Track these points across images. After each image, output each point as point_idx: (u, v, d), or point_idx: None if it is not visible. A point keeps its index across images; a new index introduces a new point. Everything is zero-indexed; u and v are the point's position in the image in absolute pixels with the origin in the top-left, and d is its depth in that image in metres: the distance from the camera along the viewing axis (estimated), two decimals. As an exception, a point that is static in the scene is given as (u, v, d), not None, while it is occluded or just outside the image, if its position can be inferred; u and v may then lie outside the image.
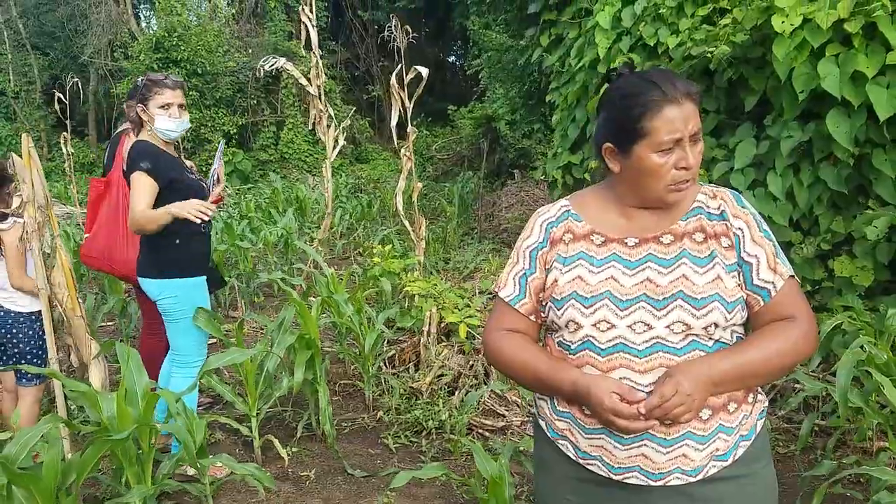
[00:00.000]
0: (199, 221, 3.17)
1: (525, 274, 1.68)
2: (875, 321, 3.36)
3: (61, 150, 10.87)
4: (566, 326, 1.58)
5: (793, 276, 1.55)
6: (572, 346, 1.57)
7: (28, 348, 3.57)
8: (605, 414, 1.44)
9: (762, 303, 1.53)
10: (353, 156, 20.04)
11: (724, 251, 1.54)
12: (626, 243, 1.59)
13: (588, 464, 1.57)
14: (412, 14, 21.13)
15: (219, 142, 4.20)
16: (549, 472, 1.68)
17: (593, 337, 1.53)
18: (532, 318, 1.69)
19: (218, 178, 3.80)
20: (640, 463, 1.50)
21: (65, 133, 10.09)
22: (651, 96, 1.49)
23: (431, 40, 24.54)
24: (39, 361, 3.61)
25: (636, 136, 1.51)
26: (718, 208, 1.58)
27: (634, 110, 1.50)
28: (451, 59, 27.02)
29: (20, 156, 2.87)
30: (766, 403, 1.63)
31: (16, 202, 3.27)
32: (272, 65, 6.05)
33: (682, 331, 1.48)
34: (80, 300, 3.14)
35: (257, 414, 3.71)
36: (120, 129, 4.25)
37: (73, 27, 21.64)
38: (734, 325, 1.54)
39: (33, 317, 3.58)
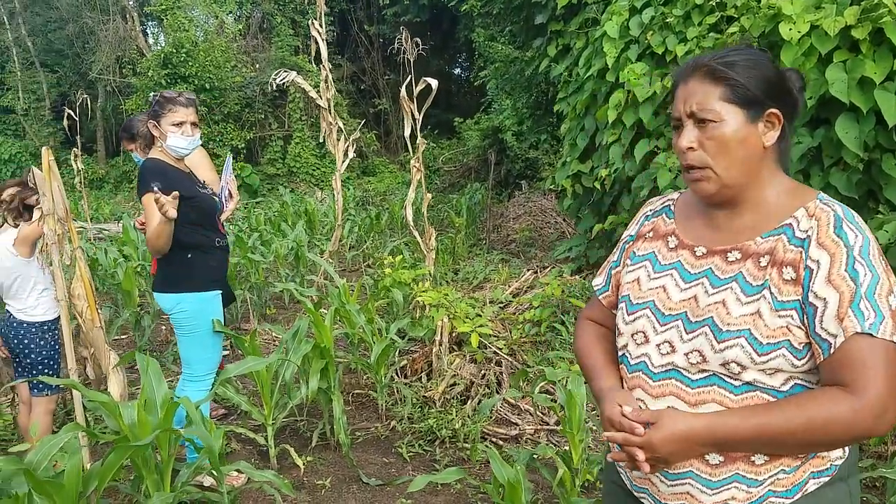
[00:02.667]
0: (172, 215, 3.06)
1: (612, 266, 1.65)
2: (888, 325, 3.36)
3: (70, 166, 10.97)
4: (616, 329, 1.55)
5: (872, 336, 1.22)
6: (618, 352, 1.53)
7: (39, 358, 3.61)
8: (603, 422, 1.42)
9: (822, 357, 1.27)
10: (359, 169, 20.15)
11: (780, 284, 1.31)
12: (695, 252, 1.45)
13: (640, 496, 1.51)
14: (417, 27, 21.27)
15: (226, 156, 4.21)
16: (616, 498, 1.61)
17: (627, 349, 1.49)
18: (614, 311, 1.61)
19: (230, 193, 3.81)
20: (685, 500, 1.40)
21: (75, 149, 10.20)
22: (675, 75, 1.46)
23: (437, 53, 24.67)
24: (51, 372, 3.65)
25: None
26: (806, 231, 1.32)
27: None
28: (457, 71, 27.18)
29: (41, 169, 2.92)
30: (840, 461, 1.36)
31: (36, 214, 3.32)
32: (283, 79, 6.11)
33: (698, 362, 1.35)
34: (98, 311, 3.17)
35: (273, 423, 3.73)
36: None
37: (81, 44, 21.87)
38: (784, 371, 1.31)
39: (45, 327, 3.62)
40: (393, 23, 21.87)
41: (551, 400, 3.79)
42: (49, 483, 2.24)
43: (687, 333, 1.37)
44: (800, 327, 1.29)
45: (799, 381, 1.32)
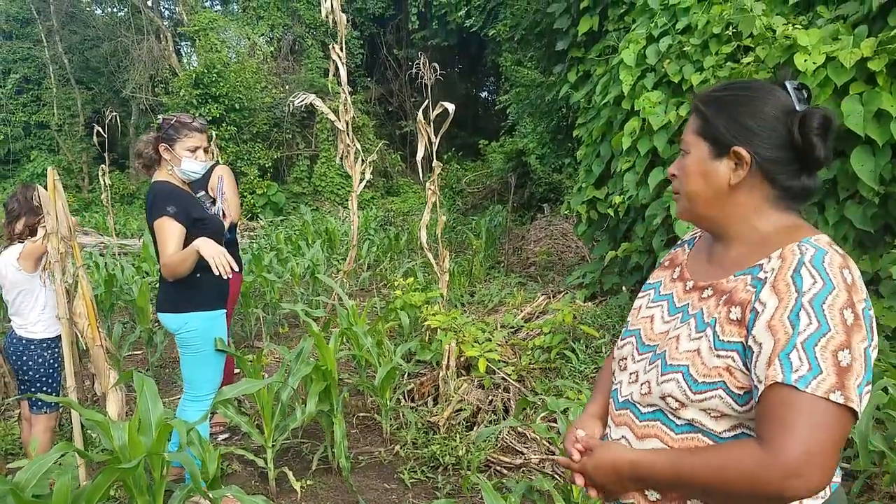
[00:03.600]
0: (217, 272, 3.14)
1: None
2: (901, 363, 3.28)
3: (100, 182, 11.15)
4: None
5: (796, 389, 1.11)
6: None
7: (38, 375, 3.64)
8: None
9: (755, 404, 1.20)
10: (384, 189, 20.26)
11: (724, 323, 1.26)
12: (686, 286, 1.44)
13: None
14: (446, 51, 21.45)
15: (219, 178, 4.25)
16: None
17: (615, 374, 1.51)
18: None
19: (223, 214, 3.83)
20: None
21: (103, 165, 10.37)
22: None
23: (465, 77, 24.86)
24: (50, 389, 3.67)
25: None
26: (767, 273, 1.25)
27: None
28: (484, 94, 27.30)
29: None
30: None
31: (40, 233, 3.37)
32: (302, 100, 6.16)
33: (645, 394, 1.35)
34: (100, 330, 3.19)
35: (273, 445, 3.72)
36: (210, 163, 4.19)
37: (116, 62, 22.34)
38: (729, 415, 1.24)
39: (44, 344, 3.65)
40: (421, 46, 22.06)
41: (556, 431, 3.73)
42: (36, 503, 2.25)
43: (649, 366, 1.38)
44: (742, 371, 1.22)
45: (746, 430, 1.24)
